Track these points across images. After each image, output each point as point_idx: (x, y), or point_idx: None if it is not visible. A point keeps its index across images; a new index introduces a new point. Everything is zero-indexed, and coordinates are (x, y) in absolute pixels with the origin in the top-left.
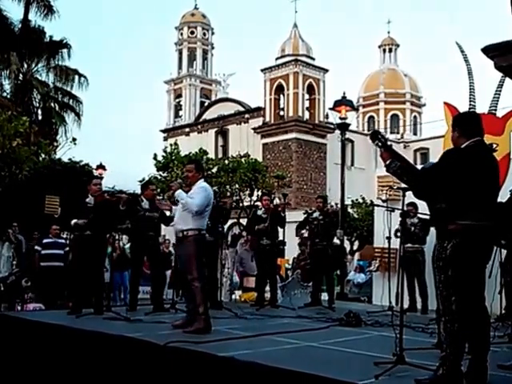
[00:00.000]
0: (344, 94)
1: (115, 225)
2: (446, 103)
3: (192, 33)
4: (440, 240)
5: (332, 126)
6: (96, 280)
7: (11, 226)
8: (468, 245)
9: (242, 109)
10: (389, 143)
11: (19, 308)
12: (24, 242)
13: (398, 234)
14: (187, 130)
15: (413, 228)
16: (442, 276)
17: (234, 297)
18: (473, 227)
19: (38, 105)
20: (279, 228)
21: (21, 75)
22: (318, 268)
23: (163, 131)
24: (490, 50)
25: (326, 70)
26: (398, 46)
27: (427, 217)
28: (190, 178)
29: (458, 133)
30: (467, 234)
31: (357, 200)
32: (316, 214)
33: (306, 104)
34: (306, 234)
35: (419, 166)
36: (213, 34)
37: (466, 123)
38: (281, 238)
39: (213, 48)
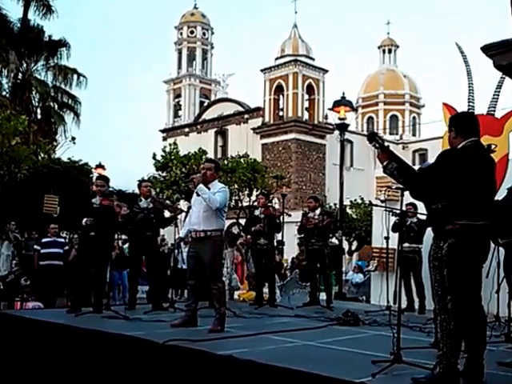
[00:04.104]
0: (343, 94)
1: (115, 230)
2: (444, 104)
3: (192, 32)
4: (436, 240)
5: (331, 127)
6: (97, 279)
7: (9, 225)
8: (464, 244)
9: (241, 109)
10: (386, 144)
11: (18, 307)
12: (21, 241)
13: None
14: (186, 129)
15: (413, 225)
16: (437, 275)
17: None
18: (469, 227)
19: (37, 104)
20: (276, 233)
21: (20, 74)
22: (315, 268)
23: (162, 131)
24: (489, 49)
25: (326, 71)
26: (397, 46)
27: (425, 217)
28: (207, 176)
29: (455, 133)
30: (463, 234)
31: (356, 200)
32: (311, 215)
33: (306, 104)
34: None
35: (417, 167)
36: (212, 33)
37: (462, 123)
38: (279, 238)
39: (212, 48)
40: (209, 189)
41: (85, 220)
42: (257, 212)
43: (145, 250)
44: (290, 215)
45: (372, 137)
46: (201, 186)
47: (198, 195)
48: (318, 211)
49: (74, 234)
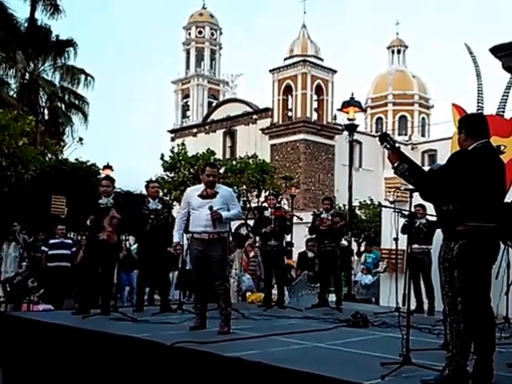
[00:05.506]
0: (352, 95)
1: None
2: (454, 104)
3: (200, 33)
4: (446, 241)
5: (340, 127)
6: (106, 281)
7: (15, 226)
8: (474, 246)
9: (249, 109)
10: (397, 145)
11: (25, 309)
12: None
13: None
14: (195, 130)
15: (422, 226)
16: (447, 276)
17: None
18: (480, 228)
19: (44, 104)
20: (286, 234)
21: (27, 74)
22: (326, 269)
23: (171, 131)
24: (497, 50)
25: (335, 71)
26: (406, 47)
27: (435, 218)
28: (213, 183)
29: (464, 135)
30: (474, 235)
31: (364, 201)
32: (324, 216)
33: (315, 105)
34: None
35: (427, 168)
36: (221, 34)
37: (472, 125)
38: (288, 239)
39: (221, 48)
40: (216, 193)
41: (88, 220)
42: (267, 213)
43: (154, 252)
44: (301, 219)
45: (383, 138)
46: (223, 214)
47: (202, 198)
48: (330, 212)
49: (82, 236)
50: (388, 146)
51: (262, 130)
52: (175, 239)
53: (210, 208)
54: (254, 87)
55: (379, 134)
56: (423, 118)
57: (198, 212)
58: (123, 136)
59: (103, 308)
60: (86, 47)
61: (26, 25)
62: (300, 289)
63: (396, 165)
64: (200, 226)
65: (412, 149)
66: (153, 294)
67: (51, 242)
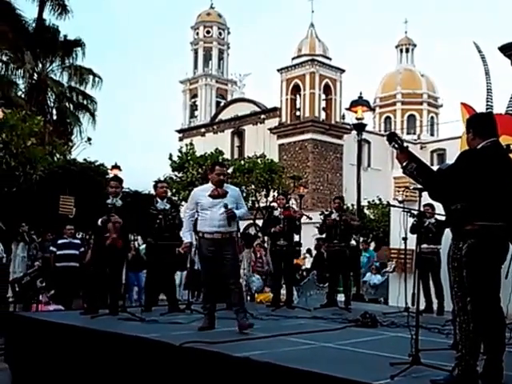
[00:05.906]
0: (360, 94)
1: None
2: (462, 103)
3: (208, 32)
4: (455, 240)
5: (348, 127)
6: (114, 281)
7: (23, 227)
8: (483, 245)
9: (257, 109)
10: (405, 145)
11: (34, 309)
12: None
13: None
14: (203, 130)
15: (431, 226)
16: (456, 276)
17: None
18: (488, 228)
19: (52, 104)
20: (295, 234)
21: (35, 74)
22: (335, 269)
23: (179, 131)
24: (506, 49)
25: (343, 71)
26: (414, 46)
27: (444, 218)
28: (223, 182)
29: (473, 134)
30: (483, 235)
31: (373, 201)
32: (334, 215)
33: (323, 104)
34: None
35: (436, 167)
36: (229, 33)
37: (480, 124)
38: (297, 239)
39: (229, 48)
40: (226, 192)
41: (100, 220)
42: (276, 213)
43: (162, 252)
44: (311, 218)
45: (391, 137)
46: (236, 212)
47: (213, 198)
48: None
49: (90, 236)
50: (396, 145)
51: (270, 129)
52: (187, 239)
53: (225, 206)
54: (262, 87)
55: (387, 133)
56: (432, 117)
57: (210, 212)
58: (131, 136)
59: (112, 308)
60: (93, 47)
61: (33, 25)
62: (309, 289)
63: (404, 164)
64: (213, 226)
65: (421, 148)
66: (157, 294)
67: (59, 242)
